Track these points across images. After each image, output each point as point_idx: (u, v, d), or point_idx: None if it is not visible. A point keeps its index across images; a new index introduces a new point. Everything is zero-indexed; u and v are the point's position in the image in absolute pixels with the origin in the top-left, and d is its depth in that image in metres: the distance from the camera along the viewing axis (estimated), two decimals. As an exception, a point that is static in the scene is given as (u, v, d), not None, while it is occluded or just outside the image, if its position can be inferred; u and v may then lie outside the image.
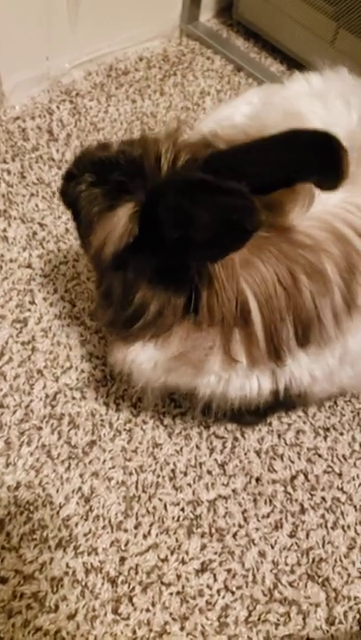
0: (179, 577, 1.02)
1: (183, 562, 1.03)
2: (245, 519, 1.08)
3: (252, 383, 0.86)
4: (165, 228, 0.69)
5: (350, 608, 1.02)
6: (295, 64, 1.71)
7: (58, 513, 1.05)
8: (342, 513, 1.10)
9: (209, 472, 1.11)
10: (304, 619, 1.00)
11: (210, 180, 0.67)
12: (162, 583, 1.01)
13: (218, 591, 1.01)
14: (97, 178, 0.75)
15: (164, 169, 0.72)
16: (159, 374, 0.87)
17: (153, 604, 0.99)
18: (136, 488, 1.08)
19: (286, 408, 1.18)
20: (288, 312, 0.78)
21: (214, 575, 1.02)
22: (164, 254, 0.72)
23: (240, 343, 0.80)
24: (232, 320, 0.77)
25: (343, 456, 1.16)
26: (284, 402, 0.99)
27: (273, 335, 0.79)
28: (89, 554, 1.02)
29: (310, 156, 0.69)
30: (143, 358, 0.84)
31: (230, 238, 0.68)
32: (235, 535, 1.06)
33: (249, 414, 1.07)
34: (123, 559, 1.02)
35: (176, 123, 0.78)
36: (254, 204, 0.64)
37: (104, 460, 1.10)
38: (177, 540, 1.04)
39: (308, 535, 1.07)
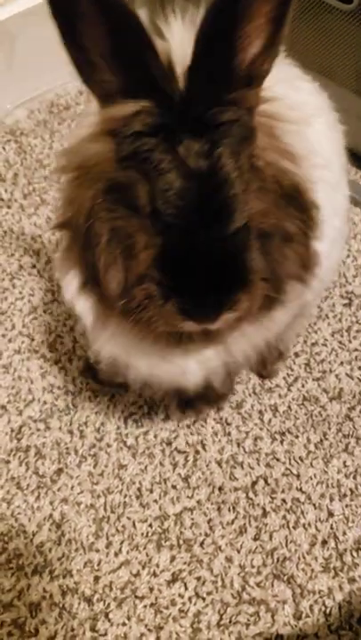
0: (151, 589, 1.07)
1: (155, 574, 1.08)
2: (211, 528, 1.13)
3: None
4: None
5: (315, 602, 1.08)
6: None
7: (32, 541, 1.10)
8: (302, 512, 1.16)
9: (173, 487, 1.17)
10: (273, 616, 1.06)
11: None
12: (135, 597, 1.06)
13: (189, 599, 1.07)
14: None
15: None
16: None
17: (128, 618, 1.04)
18: (105, 509, 1.14)
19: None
20: None
21: (185, 584, 1.08)
22: None
23: None
24: None
25: (300, 458, 1.22)
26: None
27: None
28: (64, 576, 1.07)
29: None
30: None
31: None
32: (202, 544, 1.12)
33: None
34: (97, 578, 1.07)
35: None
36: None
37: (72, 486, 1.15)
38: (147, 555, 1.10)
39: (271, 537, 1.13)
